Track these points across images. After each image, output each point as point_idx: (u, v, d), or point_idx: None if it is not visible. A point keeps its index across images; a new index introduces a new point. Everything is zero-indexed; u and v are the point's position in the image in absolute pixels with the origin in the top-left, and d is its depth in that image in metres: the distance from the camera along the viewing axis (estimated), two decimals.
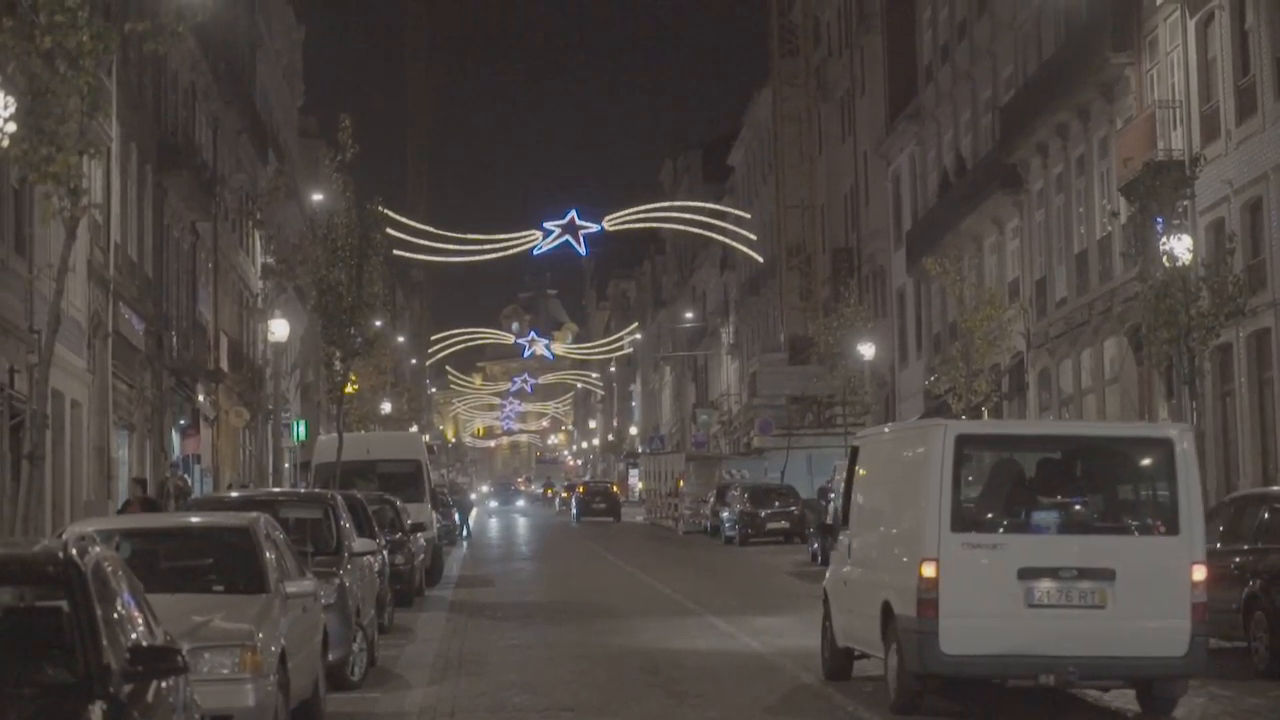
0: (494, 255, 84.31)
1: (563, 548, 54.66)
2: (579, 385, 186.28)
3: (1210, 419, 32.61)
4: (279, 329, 49.66)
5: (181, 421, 46.21)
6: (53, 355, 18.03)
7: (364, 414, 71.31)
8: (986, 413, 43.14)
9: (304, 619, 14.54)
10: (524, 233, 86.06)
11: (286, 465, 61.45)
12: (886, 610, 15.82)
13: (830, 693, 17.38)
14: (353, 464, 35.43)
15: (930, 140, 56.69)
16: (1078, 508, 15.72)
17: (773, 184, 78.89)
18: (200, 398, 49.09)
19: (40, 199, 19.13)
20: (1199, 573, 15.11)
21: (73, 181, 16.58)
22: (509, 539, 64.57)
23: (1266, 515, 19.50)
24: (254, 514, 15.44)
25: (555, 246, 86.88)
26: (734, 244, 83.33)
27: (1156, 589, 15.08)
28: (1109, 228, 37.61)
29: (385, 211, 39.23)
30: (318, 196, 59.77)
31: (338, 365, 37.19)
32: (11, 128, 16.39)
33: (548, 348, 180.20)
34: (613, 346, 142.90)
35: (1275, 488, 23.77)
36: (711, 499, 59.45)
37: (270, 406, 54.92)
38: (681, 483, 69.74)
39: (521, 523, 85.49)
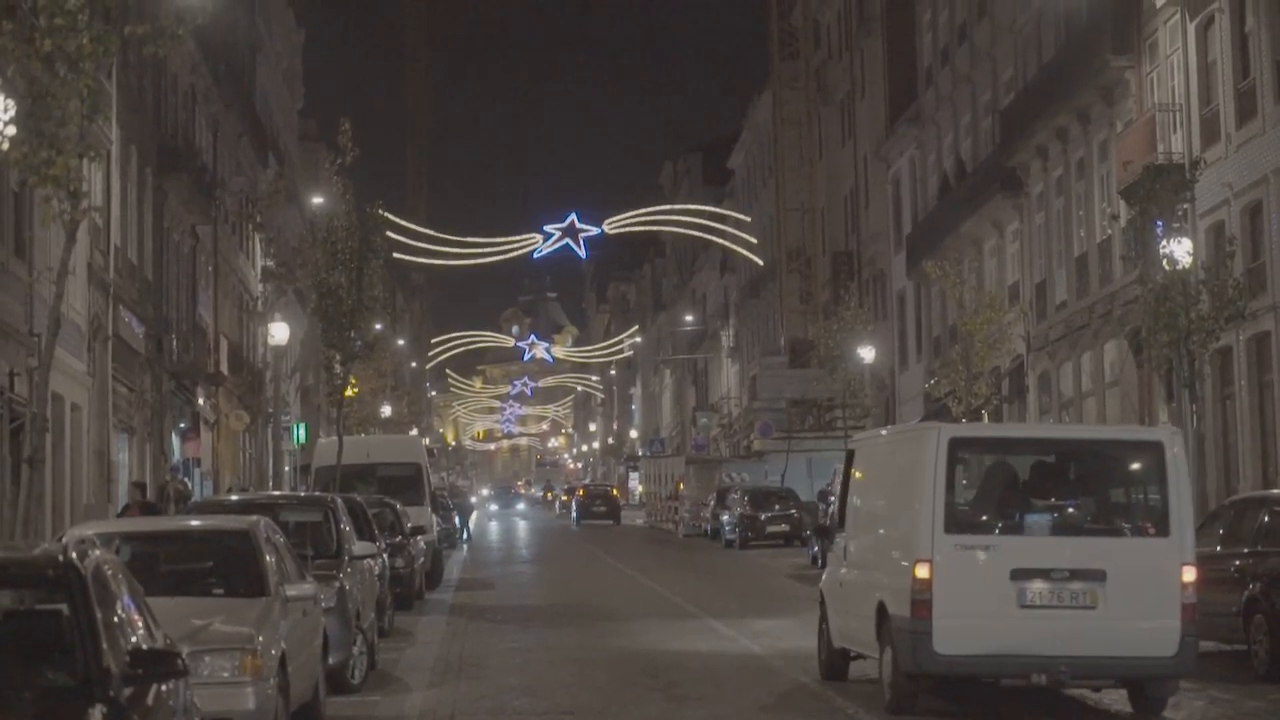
0: (494, 258, 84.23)
1: (563, 551, 54.63)
2: (579, 388, 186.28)
3: (1210, 422, 32.63)
4: (279, 332, 49.67)
5: (181, 425, 46.19)
6: (53, 358, 18.02)
7: (364, 417, 71.38)
8: (986, 416, 43.14)
9: (304, 622, 14.55)
10: (524, 236, 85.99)
11: (286, 468, 61.37)
12: (881, 611, 15.98)
13: (827, 693, 17.49)
14: (353, 467, 35.44)
15: (930, 143, 56.68)
16: (1070, 510, 15.90)
17: (773, 187, 78.90)
18: (200, 401, 49.09)
19: (40, 202, 19.12)
20: (1189, 574, 15.29)
21: (73, 184, 16.56)
22: (509, 542, 64.50)
23: (1266, 518, 19.49)
24: (254, 517, 15.44)
25: (555, 249, 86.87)
26: (734, 247, 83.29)
27: (1147, 590, 15.25)
28: (1109, 231, 37.59)
29: (385, 214, 39.22)
30: (318, 199, 59.72)
31: (338, 368, 37.23)
32: (11, 131, 16.38)
33: (548, 351, 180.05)
34: (613, 349, 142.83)
35: (1275, 491, 23.79)
36: (711, 502, 59.42)
37: (270, 410, 54.88)
38: (681, 486, 69.80)
39: (521, 526, 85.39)
